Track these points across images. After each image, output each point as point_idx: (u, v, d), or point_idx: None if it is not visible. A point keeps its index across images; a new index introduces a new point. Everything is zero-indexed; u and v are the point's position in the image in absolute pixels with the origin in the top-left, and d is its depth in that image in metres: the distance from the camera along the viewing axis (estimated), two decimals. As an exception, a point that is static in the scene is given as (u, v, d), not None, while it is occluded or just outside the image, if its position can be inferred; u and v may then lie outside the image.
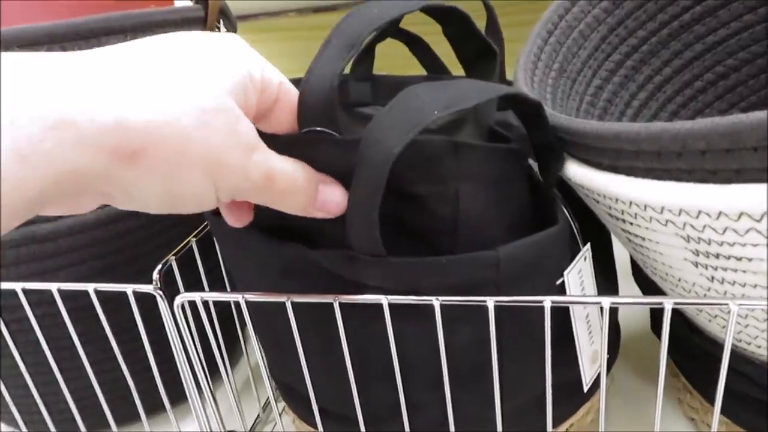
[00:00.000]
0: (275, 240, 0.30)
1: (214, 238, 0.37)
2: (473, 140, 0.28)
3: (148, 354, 0.36)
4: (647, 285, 0.38)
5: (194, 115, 0.22)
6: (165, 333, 0.35)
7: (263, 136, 0.25)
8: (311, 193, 0.26)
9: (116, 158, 0.21)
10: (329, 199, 0.26)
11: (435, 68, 0.52)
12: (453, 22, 0.30)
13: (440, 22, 0.30)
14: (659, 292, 0.33)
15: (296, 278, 0.30)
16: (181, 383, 0.37)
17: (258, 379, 0.44)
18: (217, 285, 0.43)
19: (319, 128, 0.26)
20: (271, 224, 0.33)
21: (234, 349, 0.49)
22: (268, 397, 0.48)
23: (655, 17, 0.41)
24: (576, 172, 0.28)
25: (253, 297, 0.30)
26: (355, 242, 0.27)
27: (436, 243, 0.28)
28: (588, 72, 0.39)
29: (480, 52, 0.31)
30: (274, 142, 0.26)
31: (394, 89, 0.55)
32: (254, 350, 0.34)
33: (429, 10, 0.30)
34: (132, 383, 0.38)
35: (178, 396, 0.39)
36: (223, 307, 0.42)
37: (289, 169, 0.25)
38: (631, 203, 0.26)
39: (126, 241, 0.40)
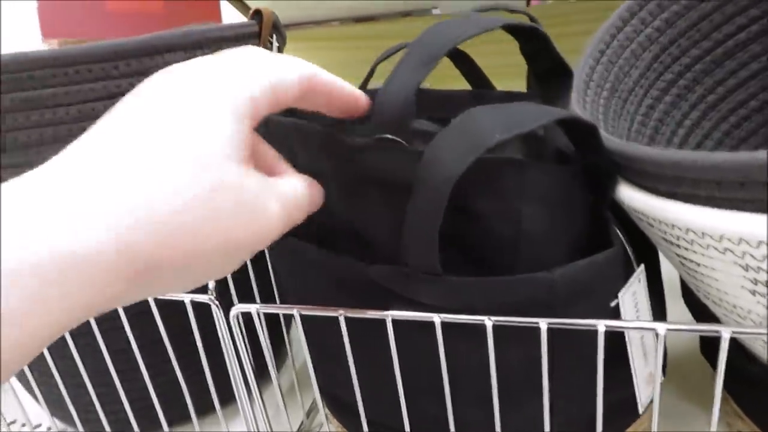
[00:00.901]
0: (330, 252, 0.31)
1: (268, 254, 0.38)
2: (539, 160, 0.28)
3: (202, 358, 0.37)
4: (697, 306, 0.37)
5: (198, 207, 0.20)
6: (216, 336, 0.36)
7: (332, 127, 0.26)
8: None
9: (132, 279, 0.20)
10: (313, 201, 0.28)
11: (478, 82, 0.52)
12: (531, 41, 0.30)
13: (518, 40, 0.31)
14: (710, 314, 0.33)
15: (349, 290, 0.31)
16: (230, 384, 0.38)
17: (302, 384, 0.45)
18: (265, 290, 0.44)
19: (390, 136, 0.27)
20: (320, 229, 0.34)
21: (279, 351, 0.51)
22: (312, 402, 0.49)
23: (710, 36, 0.41)
24: (631, 196, 0.28)
25: (307, 311, 0.31)
26: (411, 259, 0.27)
27: (495, 261, 0.28)
28: (639, 92, 0.39)
29: (554, 70, 0.31)
30: (346, 145, 0.27)
31: (440, 102, 0.56)
32: (298, 354, 0.35)
33: (508, 28, 0.30)
34: (184, 385, 0.39)
35: (227, 397, 0.40)
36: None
37: (295, 192, 0.26)
38: (688, 230, 0.26)
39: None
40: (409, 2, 0.90)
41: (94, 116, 0.36)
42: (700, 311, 0.36)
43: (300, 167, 0.35)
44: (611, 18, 0.39)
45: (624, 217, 0.32)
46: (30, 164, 0.36)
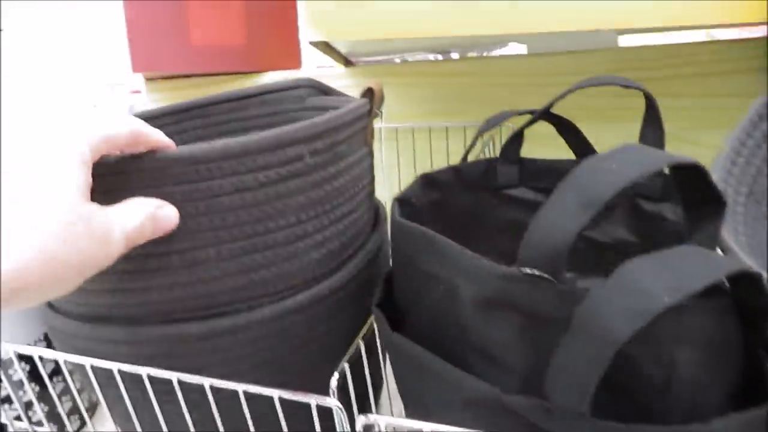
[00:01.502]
0: (464, 373, 0.31)
1: (388, 355, 0.38)
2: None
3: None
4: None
5: (58, 233, 0.27)
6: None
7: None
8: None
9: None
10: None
11: (584, 151, 0.51)
12: (689, 173, 0.29)
13: (674, 171, 0.30)
14: None
15: (481, 413, 0.31)
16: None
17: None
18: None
19: (540, 273, 0.27)
20: (448, 343, 0.33)
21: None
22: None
23: None
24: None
25: (439, 429, 0.31)
26: (558, 398, 0.27)
27: (644, 404, 0.27)
28: (776, 192, 0.37)
29: (707, 200, 0.30)
30: (491, 272, 0.28)
31: (542, 172, 0.55)
32: None
33: (673, 166, 0.29)
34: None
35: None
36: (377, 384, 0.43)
37: (133, 221, 0.32)
38: None
39: (297, 332, 0.42)
40: (484, 38, 0.89)
41: (219, 209, 0.37)
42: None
43: (423, 273, 0.35)
44: (748, 114, 0.37)
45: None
46: (156, 255, 0.37)
